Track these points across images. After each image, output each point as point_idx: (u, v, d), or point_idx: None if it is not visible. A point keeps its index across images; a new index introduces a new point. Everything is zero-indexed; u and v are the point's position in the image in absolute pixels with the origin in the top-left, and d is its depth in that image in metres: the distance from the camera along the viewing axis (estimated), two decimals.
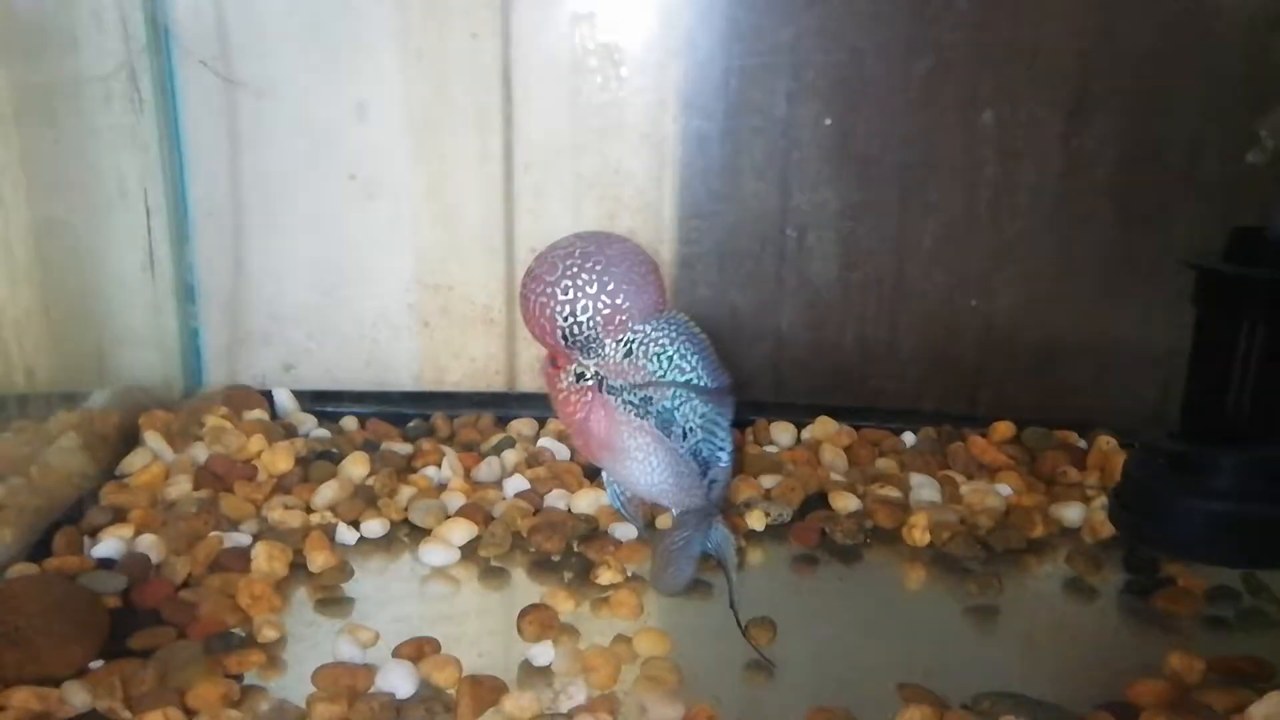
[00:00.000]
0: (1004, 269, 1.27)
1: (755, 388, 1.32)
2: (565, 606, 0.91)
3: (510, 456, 1.17)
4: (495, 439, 1.22)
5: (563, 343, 0.81)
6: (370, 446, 1.17)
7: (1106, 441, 1.20)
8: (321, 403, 1.29)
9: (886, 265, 1.29)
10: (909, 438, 1.24)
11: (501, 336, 1.35)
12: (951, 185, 1.25)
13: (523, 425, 1.26)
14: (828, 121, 1.24)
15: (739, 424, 1.26)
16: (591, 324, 0.79)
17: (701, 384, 0.79)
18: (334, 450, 1.15)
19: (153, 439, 1.10)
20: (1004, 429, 1.24)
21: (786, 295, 1.31)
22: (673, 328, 0.80)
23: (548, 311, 0.79)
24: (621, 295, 0.79)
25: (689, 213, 1.29)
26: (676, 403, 0.80)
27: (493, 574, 0.99)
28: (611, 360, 0.81)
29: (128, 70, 1.12)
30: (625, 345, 0.80)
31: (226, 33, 1.21)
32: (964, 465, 1.18)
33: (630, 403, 0.81)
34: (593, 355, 0.81)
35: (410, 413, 1.28)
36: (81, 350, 1.12)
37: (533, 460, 1.17)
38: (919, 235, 1.27)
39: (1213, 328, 0.89)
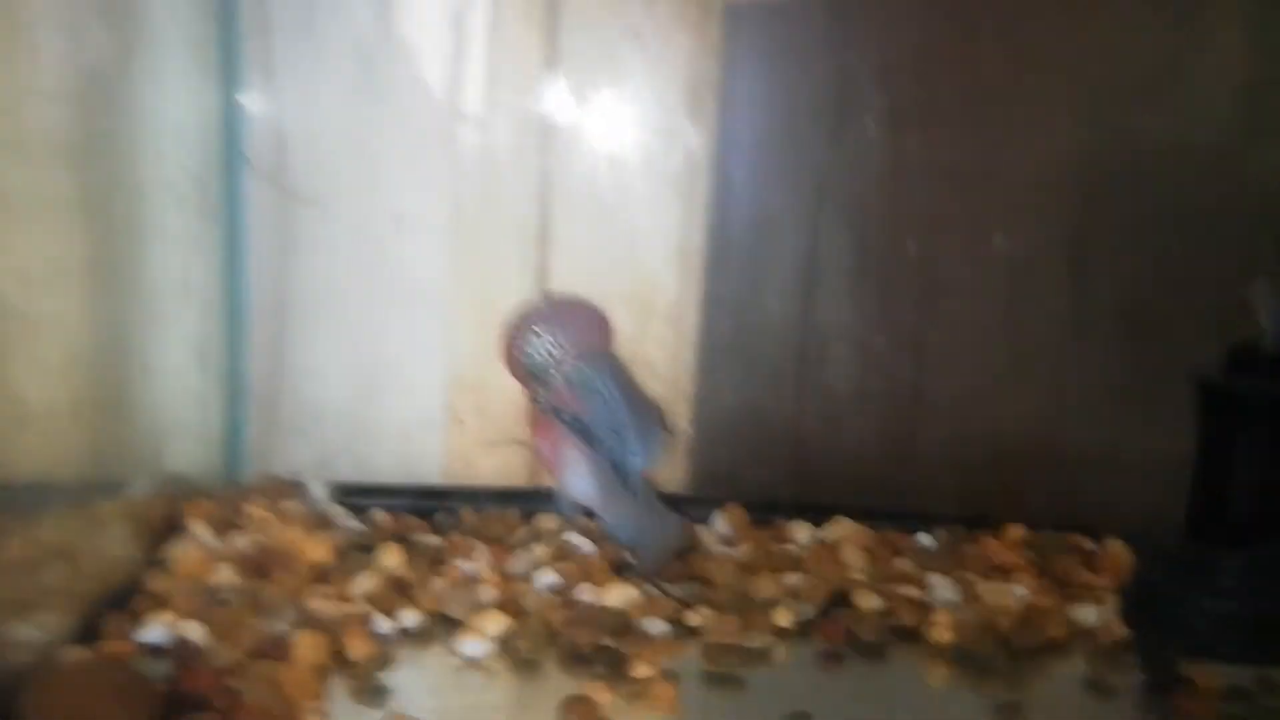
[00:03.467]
0: (1015, 380, 1.33)
1: (776, 487, 1.37)
2: (603, 699, 0.93)
3: (539, 550, 1.20)
4: (522, 533, 1.24)
5: (528, 378, 1.02)
6: (401, 538, 1.20)
7: (1117, 545, 1.24)
8: (353, 495, 1.32)
9: (904, 375, 1.35)
10: (925, 539, 1.28)
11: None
12: (965, 302, 1.32)
13: (548, 521, 1.29)
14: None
15: (759, 521, 1.30)
16: (543, 360, 1.01)
17: (618, 407, 1.00)
18: (368, 542, 1.18)
19: (197, 527, 1.13)
20: (1016, 532, 1.27)
21: (807, 401, 1.36)
22: (600, 362, 1.01)
23: (514, 353, 1.02)
24: (565, 339, 1.01)
25: (714, 322, 1.36)
26: (591, 419, 1.00)
27: (526, 666, 1.01)
28: (557, 390, 1.02)
29: (201, 181, 1.19)
30: (567, 378, 1.01)
31: (288, 147, 1.29)
32: (979, 566, 1.21)
33: (568, 423, 1.01)
34: (545, 386, 1.02)
35: (438, 507, 1.31)
36: (128, 440, 1.16)
37: (561, 554, 1.20)
38: (935, 347, 1.34)
39: (1215, 436, 0.94)
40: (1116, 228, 1.29)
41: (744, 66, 1.30)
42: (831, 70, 1.30)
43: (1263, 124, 1.27)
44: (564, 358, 1.01)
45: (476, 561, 1.16)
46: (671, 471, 1.40)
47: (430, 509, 1.31)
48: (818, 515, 1.31)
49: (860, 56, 1.30)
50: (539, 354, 1.01)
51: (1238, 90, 1.28)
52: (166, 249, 1.17)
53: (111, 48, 1.06)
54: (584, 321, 1.03)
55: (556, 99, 1.31)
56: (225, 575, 1.05)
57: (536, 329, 1.01)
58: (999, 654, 1.04)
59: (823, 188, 1.32)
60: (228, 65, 1.27)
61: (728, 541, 1.27)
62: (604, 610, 1.08)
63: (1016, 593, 1.15)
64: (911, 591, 1.14)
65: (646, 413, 1.02)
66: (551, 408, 1.02)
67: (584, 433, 1.01)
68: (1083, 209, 1.30)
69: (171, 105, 1.18)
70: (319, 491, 1.30)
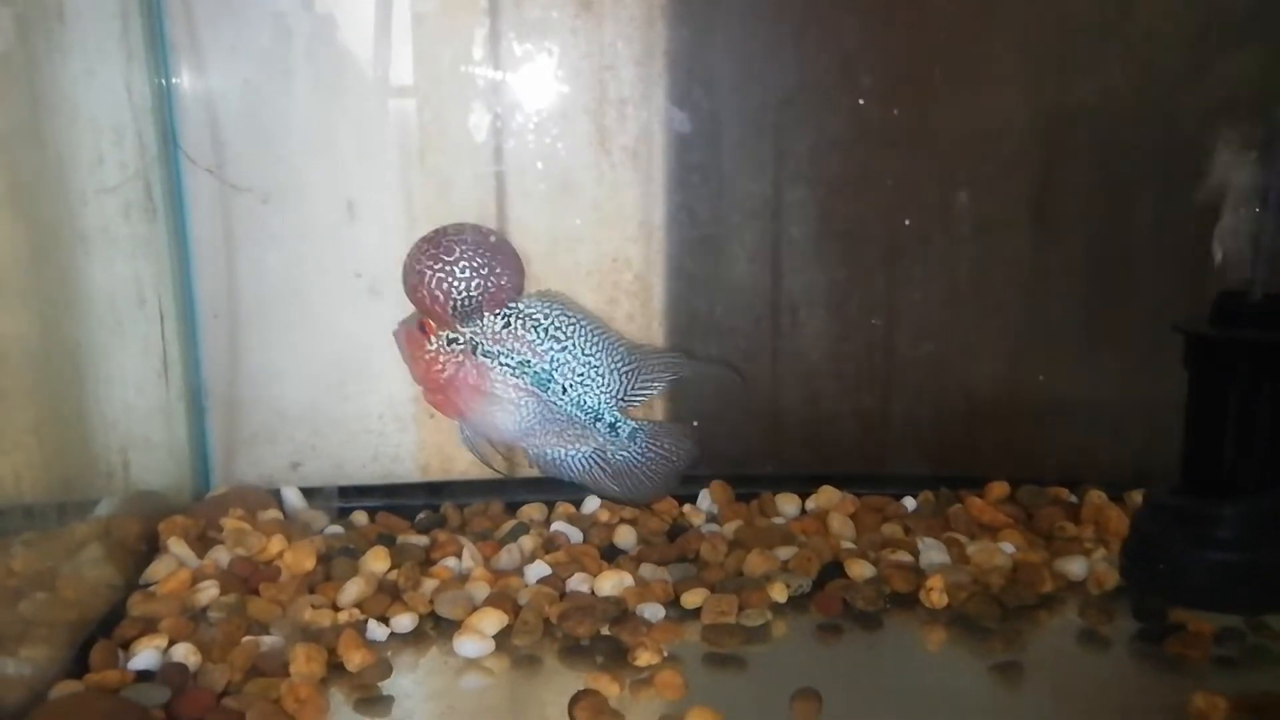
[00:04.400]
0: (986, 337, 1.34)
1: (756, 461, 1.36)
2: (610, 691, 0.92)
3: (526, 543, 1.19)
4: (508, 526, 1.23)
5: (450, 313, 0.96)
6: (386, 540, 1.18)
7: (1098, 496, 1.26)
8: (328, 499, 1.29)
9: (876, 338, 1.35)
10: (909, 502, 1.29)
11: None
12: (933, 260, 1.32)
13: (533, 510, 1.28)
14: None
15: (742, 496, 1.30)
16: (479, 299, 0.96)
17: (581, 353, 0.99)
18: (351, 546, 1.15)
19: (175, 545, 1.10)
20: (999, 489, 1.29)
21: (781, 370, 1.36)
22: (549, 305, 0.99)
23: (445, 286, 0.95)
24: (505, 277, 0.97)
25: (681, 297, 1.35)
26: (554, 365, 0.99)
27: (526, 662, 1.00)
28: (490, 330, 0.98)
29: (143, 181, 1.14)
30: (504, 318, 0.98)
31: (228, 140, 1.24)
32: (965, 526, 1.22)
33: (506, 364, 0.99)
34: (471, 324, 0.98)
35: (418, 504, 1.29)
36: (92, 457, 1.12)
37: (549, 545, 1.19)
38: (905, 308, 1.34)
39: (1205, 389, 0.95)
40: (1077, 177, 1.30)
41: (697, 33, 1.28)
42: (787, 35, 1.29)
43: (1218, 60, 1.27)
44: (500, 298, 0.96)
45: (465, 559, 1.14)
46: None
47: (409, 507, 1.29)
48: (800, 486, 1.32)
49: (816, 19, 1.28)
50: (475, 291, 0.95)
51: (1192, 28, 1.28)
52: (119, 257, 1.12)
53: (16, 27, 1.00)
54: (514, 259, 0.98)
55: (504, 74, 1.27)
56: (210, 593, 1.02)
57: (474, 262, 0.95)
58: (993, 613, 1.05)
59: (783, 154, 1.31)
60: (153, 45, 1.19)
61: (714, 518, 1.26)
62: (599, 599, 1.07)
63: (1005, 550, 1.16)
64: (903, 557, 1.15)
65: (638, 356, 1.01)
66: (478, 347, 0.97)
67: (539, 379, 0.98)
68: (1043, 160, 1.30)
69: (100, 93, 1.11)
70: (294, 498, 1.27)
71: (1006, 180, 1.31)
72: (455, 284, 0.95)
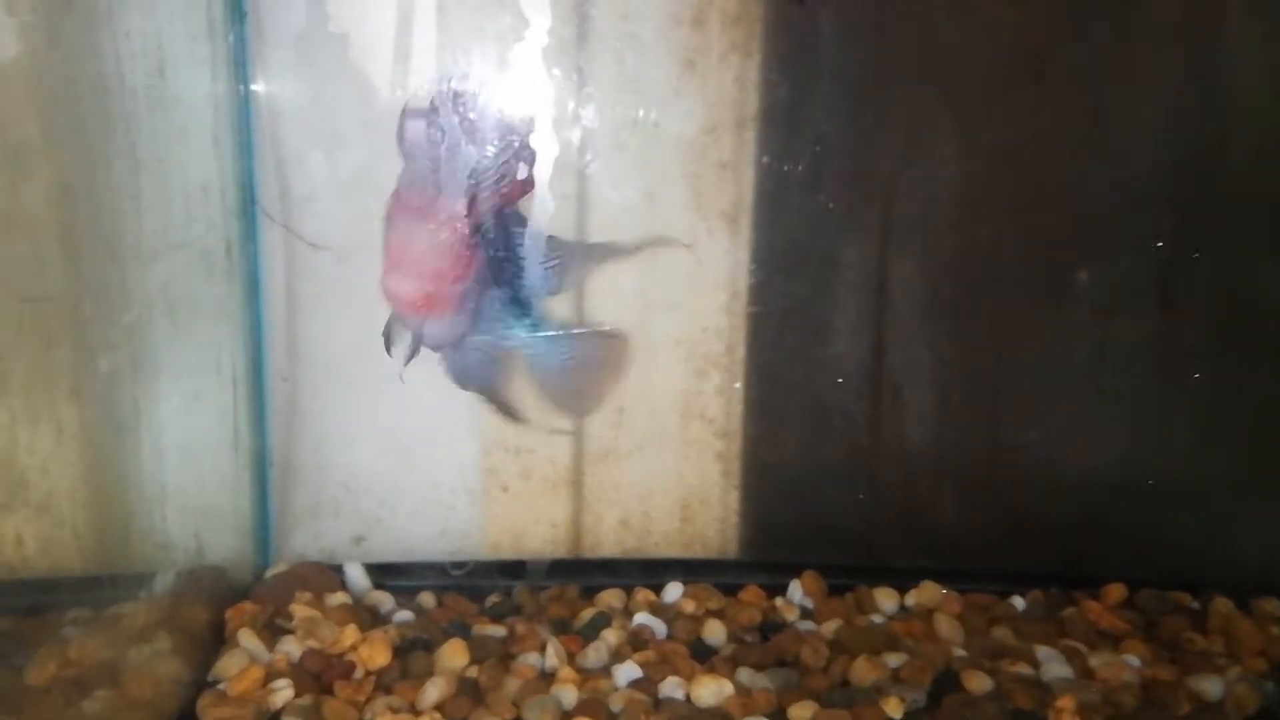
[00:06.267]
0: (1101, 425, 1.26)
1: (849, 550, 1.28)
2: None
3: (610, 636, 1.10)
4: (587, 615, 1.14)
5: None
6: (459, 629, 1.09)
7: (1224, 604, 1.17)
8: (392, 576, 1.21)
9: (982, 421, 1.26)
10: (1019, 602, 1.20)
11: (573, 499, 1.29)
12: (1047, 342, 1.24)
13: (611, 597, 1.19)
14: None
15: (834, 588, 1.21)
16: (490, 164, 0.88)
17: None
18: (425, 637, 1.07)
19: (245, 637, 1.01)
20: (1116, 591, 1.20)
21: (880, 451, 1.28)
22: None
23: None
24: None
25: (772, 368, 1.27)
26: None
27: None
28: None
29: (224, 239, 1.07)
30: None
31: (304, 197, 1.17)
32: (1083, 633, 1.13)
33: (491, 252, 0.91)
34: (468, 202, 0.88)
35: (488, 584, 1.21)
36: (154, 528, 1.04)
37: (634, 640, 1.10)
38: (1014, 391, 1.26)
39: None
40: (1204, 265, 1.22)
41: (796, 80, 1.21)
42: (894, 84, 1.21)
43: None
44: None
45: (549, 656, 1.06)
46: (727, 532, 1.31)
47: (478, 588, 1.20)
48: (897, 579, 1.23)
49: (930, 66, 1.21)
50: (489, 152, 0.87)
51: None
52: (204, 325, 1.05)
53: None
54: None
55: (588, 121, 1.20)
56: (285, 694, 0.94)
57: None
58: None
59: (889, 219, 1.23)
60: (235, 97, 1.11)
61: (809, 615, 1.18)
62: (699, 711, 0.98)
63: (1132, 664, 1.07)
64: (1023, 669, 1.06)
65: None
66: (475, 226, 0.88)
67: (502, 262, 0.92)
68: (1172, 230, 1.22)
69: (191, 150, 1.05)
70: (358, 575, 1.19)
71: (1131, 256, 1.23)
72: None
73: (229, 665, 0.97)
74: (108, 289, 0.95)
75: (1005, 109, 1.22)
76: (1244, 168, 1.23)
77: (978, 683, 1.03)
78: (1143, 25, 1.22)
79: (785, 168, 1.21)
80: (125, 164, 0.95)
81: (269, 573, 1.16)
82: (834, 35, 1.19)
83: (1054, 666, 1.07)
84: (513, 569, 1.24)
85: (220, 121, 1.10)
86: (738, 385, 1.27)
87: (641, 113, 1.19)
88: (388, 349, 1.00)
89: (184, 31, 1.05)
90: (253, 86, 1.13)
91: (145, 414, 0.98)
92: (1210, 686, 1.04)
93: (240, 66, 1.12)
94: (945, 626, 1.14)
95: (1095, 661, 1.08)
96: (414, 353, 0.95)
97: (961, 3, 1.20)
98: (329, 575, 1.17)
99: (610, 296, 1.23)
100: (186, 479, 1.07)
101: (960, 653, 1.10)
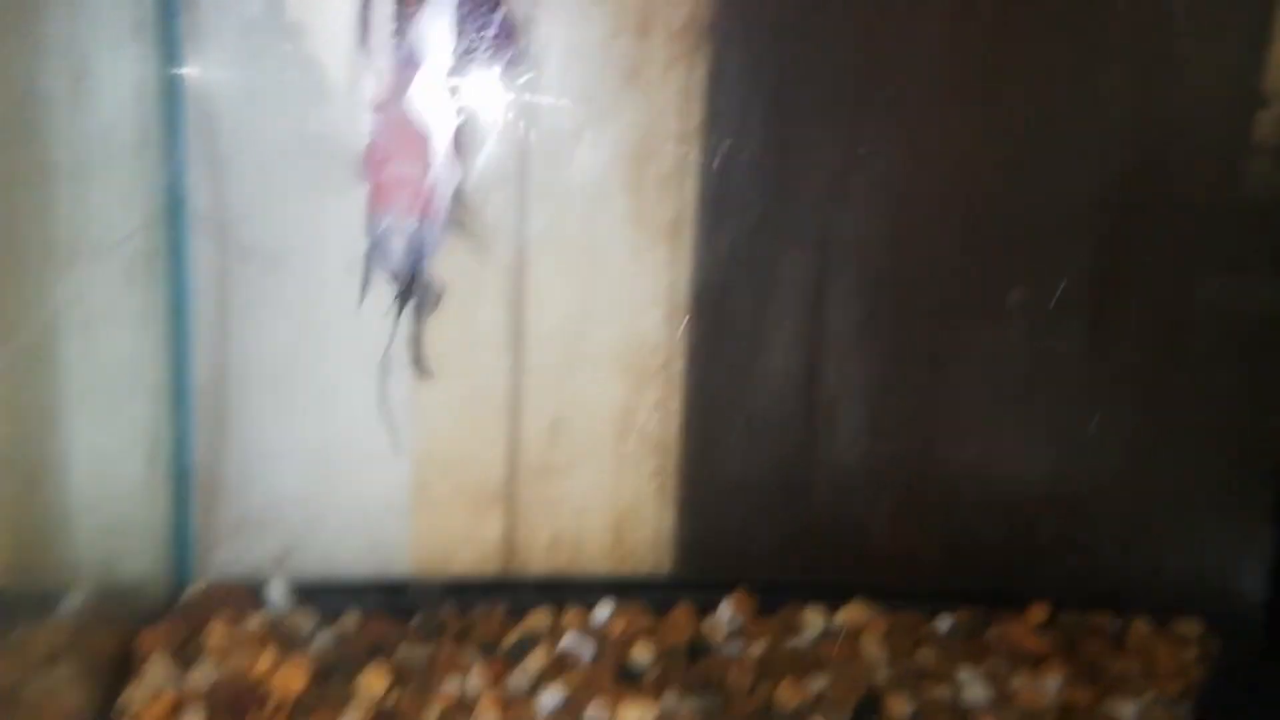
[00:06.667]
0: (1033, 443, 1.27)
1: (782, 567, 1.28)
2: None
3: (536, 659, 1.09)
4: (514, 636, 1.13)
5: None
6: (381, 651, 1.08)
7: (1143, 626, 1.19)
8: (316, 595, 1.19)
9: (916, 438, 1.27)
10: (945, 621, 1.21)
11: (505, 516, 1.28)
12: (982, 360, 1.25)
13: (540, 617, 1.18)
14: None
15: (765, 606, 1.21)
16: None
17: None
18: (345, 660, 1.05)
19: (156, 663, 0.98)
20: (1038, 613, 1.21)
21: (814, 468, 1.28)
22: None
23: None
24: None
25: (713, 383, 1.26)
26: None
27: None
28: None
29: (150, 249, 1.04)
30: None
31: (237, 201, 1.14)
32: (1006, 654, 1.14)
33: None
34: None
35: (415, 604, 1.19)
36: (62, 545, 1.01)
37: (560, 665, 1.09)
38: (948, 409, 1.26)
39: None
40: (1138, 285, 1.23)
41: (740, 94, 1.20)
42: (836, 100, 1.21)
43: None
44: None
45: (470, 677, 1.04)
46: (660, 550, 1.30)
47: (404, 608, 1.18)
48: (829, 597, 1.23)
49: (871, 81, 1.21)
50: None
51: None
52: (120, 333, 1.02)
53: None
54: None
55: (531, 142, 1.18)
56: None
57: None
58: None
59: (827, 235, 1.23)
60: (166, 50, 1.08)
61: (739, 634, 1.17)
62: None
63: (1050, 687, 1.08)
64: (943, 692, 1.07)
65: None
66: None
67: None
68: (1104, 250, 1.23)
69: (111, 145, 1.01)
70: (280, 595, 1.16)
71: (1065, 274, 1.24)
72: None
73: (137, 693, 0.95)
74: (13, 298, 0.92)
75: (945, 126, 1.22)
76: (1181, 186, 1.25)
77: (899, 707, 1.04)
78: (1083, 44, 1.23)
79: (727, 181, 1.21)
80: (34, 169, 0.91)
81: (186, 593, 1.14)
82: (778, 50, 1.18)
83: (975, 689, 1.08)
84: (443, 589, 1.23)
85: (148, 122, 1.06)
86: (675, 400, 1.27)
87: (582, 123, 1.17)
88: (365, 286, 1.00)
89: (110, 29, 1.02)
90: (185, 79, 1.10)
91: (53, 426, 0.95)
92: (1126, 709, 1.06)
93: (171, 64, 1.08)
94: (872, 647, 1.15)
95: (1016, 683, 1.09)
96: (414, 267, 0.99)
97: (904, 17, 1.21)
98: (249, 595, 1.14)
99: (549, 307, 1.22)
100: (98, 495, 1.04)
101: (885, 674, 1.10)
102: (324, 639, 1.10)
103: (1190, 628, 1.20)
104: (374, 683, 1.01)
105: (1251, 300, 1.22)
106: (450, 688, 1.04)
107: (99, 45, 0.99)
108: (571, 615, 1.19)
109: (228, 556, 1.21)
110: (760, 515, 1.29)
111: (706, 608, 1.21)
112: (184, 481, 1.18)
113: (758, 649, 1.13)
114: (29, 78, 0.89)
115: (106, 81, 1.00)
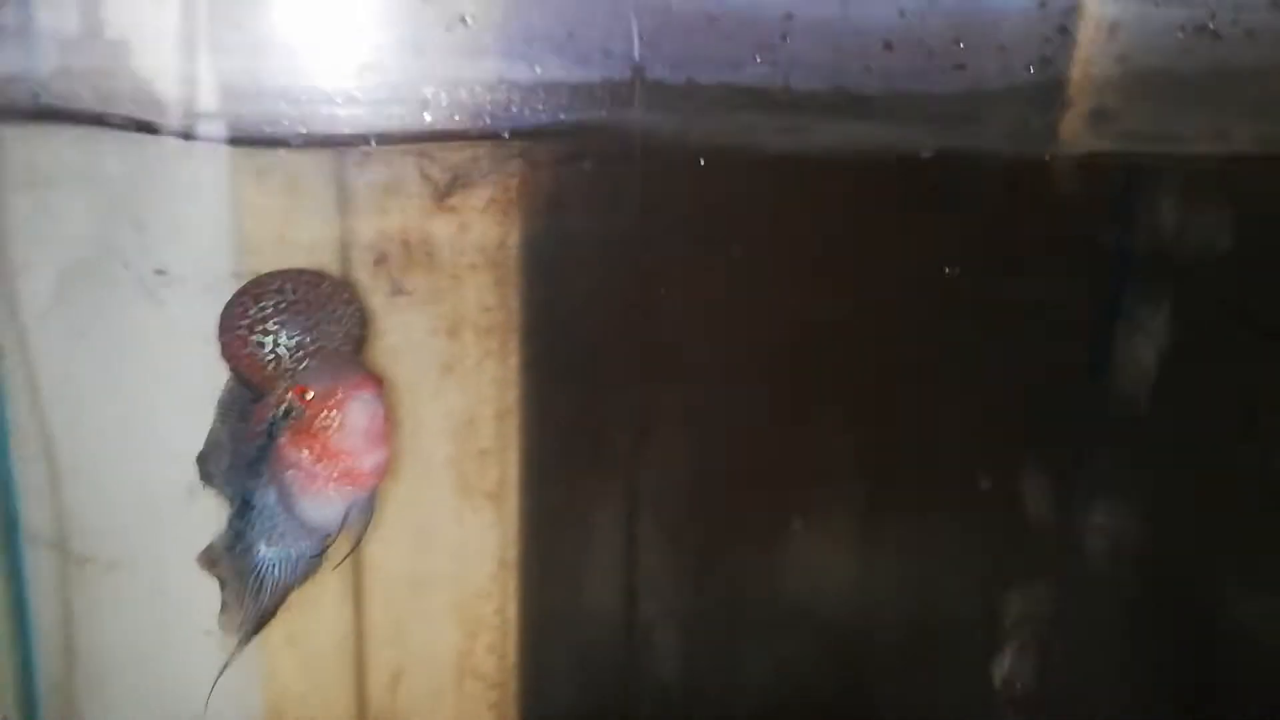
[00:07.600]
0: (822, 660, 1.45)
1: None
2: None
3: None
4: None
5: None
6: None
7: None
8: None
9: (721, 658, 1.43)
10: None
11: None
12: (773, 584, 1.43)
13: None
14: None
15: None
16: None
17: None
18: None
19: None
20: None
21: (636, 694, 1.42)
22: None
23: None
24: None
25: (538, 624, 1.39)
26: None
27: None
28: None
29: None
30: None
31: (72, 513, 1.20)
32: None
33: None
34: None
35: None
36: None
37: None
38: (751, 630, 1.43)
39: None
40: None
41: (550, 376, 1.35)
42: (633, 380, 1.38)
43: None
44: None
45: None
46: None
47: None
48: None
49: (660, 361, 1.38)
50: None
51: None
52: None
53: None
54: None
55: None
56: None
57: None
58: None
59: (634, 487, 1.39)
60: None
61: None
62: None
63: None
64: None
65: None
66: None
67: None
68: None
69: None
70: None
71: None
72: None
73: None
74: None
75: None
76: None
77: None
78: None
79: (543, 447, 1.35)
80: None
81: None
82: (581, 335, 1.34)
83: None
84: None
85: None
86: (509, 642, 1.39)
87: (407, 411, 1.30)
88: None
89: None
90: None
91: None
92: None
93: None
94: None
95: None
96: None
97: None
98: None
99: (379, 570, 1.32)
100: None
101: None
102: None
103: None
104: None
105: None
106: None
107: None
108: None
109: None
110: None
111: None
112: None
113: None
114: None
115: None
